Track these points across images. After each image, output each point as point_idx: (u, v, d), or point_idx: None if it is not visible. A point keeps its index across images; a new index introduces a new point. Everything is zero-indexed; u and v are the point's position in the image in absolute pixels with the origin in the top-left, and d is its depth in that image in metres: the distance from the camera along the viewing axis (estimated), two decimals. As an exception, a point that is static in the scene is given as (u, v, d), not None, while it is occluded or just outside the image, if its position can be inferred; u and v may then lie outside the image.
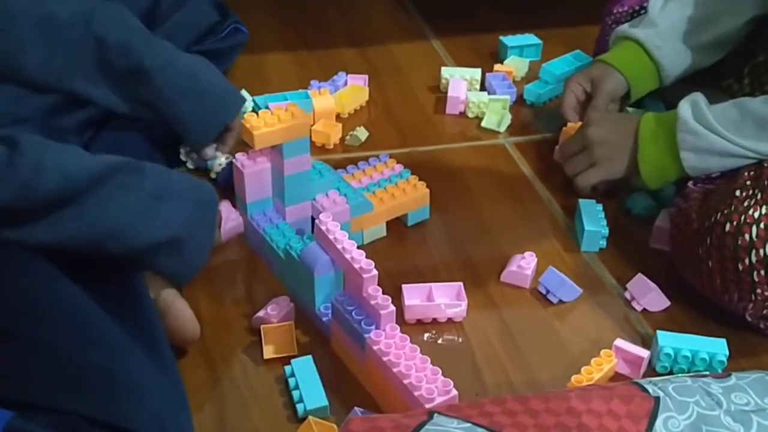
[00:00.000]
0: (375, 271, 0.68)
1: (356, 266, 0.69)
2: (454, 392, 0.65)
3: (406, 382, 0.65)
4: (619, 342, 0.74)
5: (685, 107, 0.83)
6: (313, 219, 0.84)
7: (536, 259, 0.84)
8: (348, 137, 1.03)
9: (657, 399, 0.60)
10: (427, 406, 0.64)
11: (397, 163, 0.92)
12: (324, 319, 0.75)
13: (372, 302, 0.68)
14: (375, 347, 0.68)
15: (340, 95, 1.07)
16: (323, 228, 0.72)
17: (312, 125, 1.02)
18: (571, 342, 0.77)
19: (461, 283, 0.80)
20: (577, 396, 0.60)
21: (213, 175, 0.93)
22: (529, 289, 0.83)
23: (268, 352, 0.73)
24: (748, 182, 0.75)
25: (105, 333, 0.62)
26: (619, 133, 0.88)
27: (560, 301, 0.81)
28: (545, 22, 1.28)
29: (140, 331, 0.65)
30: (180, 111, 0.86)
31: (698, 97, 0.83)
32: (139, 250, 0.70)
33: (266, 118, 0.77)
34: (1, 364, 0.58)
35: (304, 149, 0.80)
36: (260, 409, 0.69)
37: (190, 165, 0.94)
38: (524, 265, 0.83)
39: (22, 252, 0.66)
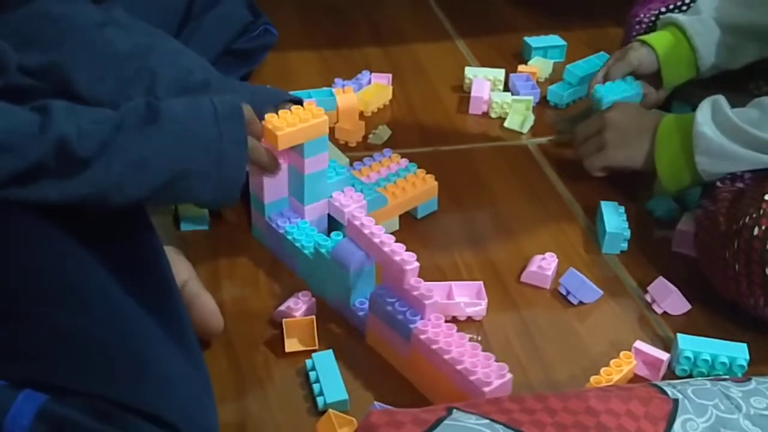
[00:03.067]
0: (416, 263, 0.69)
1: (397, 258, 0.69)
2: (509, 375, 0.65)
3: (460, 368, 0.66)
4: (639, 344, 0.74)
5: (703, 108, 0.83)
6: (329, 216, 0.85)
7: (557, 260, 0.84)
8: (371, 136, 1.04)
9: (676, 401, 0.61)
10: (485, 389, 0.64)
11: (416, 160, 0.93)
12: (360, 314, 0.76)
13: (415, 293, 0.69)
14: (423, 336, 0.68)
15: (364, 93, 1.08)
16: (357, 224, 0.73)
17: (336, 123, 1.03)
18: (590, 343, 0.77)
19: (482, 282, 0.80)
20: (596, 396, 0.60)
21: None
22: (549, 289, 0.83)
23: (290, 345, 0.74)
24: None
25: (138, 321, 0.63)
26: (637, 124, 0.89)
27: (580, 303, 0.81)
28: (570, 23, 1.29)
29: (169, 322, 0.66)
30: None
31: (719, 98, 0.83)
32: (161, 184, 0.69)
33: (287, 118, 0.77)
34: (37, 348, 0.59)
35: (323, 148, 0.81)
36: (281, 402, 0.70)
37: None
38: (545, 265, 0.83)
39: (57, 237, 0.67)
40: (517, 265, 0.85)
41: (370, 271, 0.76)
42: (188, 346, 0.64)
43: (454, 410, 0.57)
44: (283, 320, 0.74)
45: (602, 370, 0.71)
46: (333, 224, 0.85)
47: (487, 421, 0.56)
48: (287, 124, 0.77)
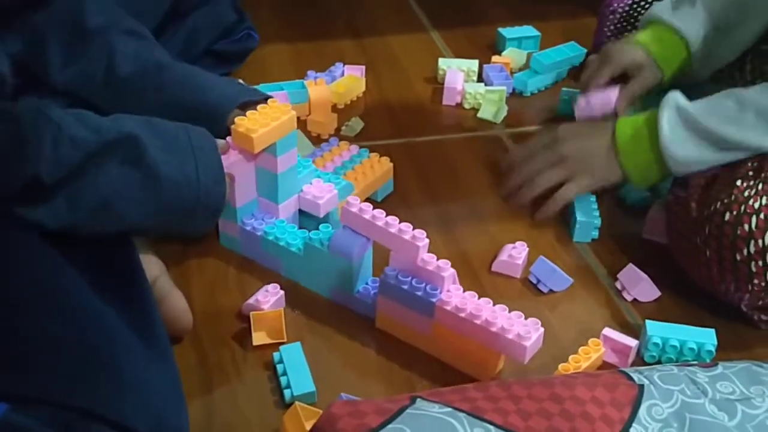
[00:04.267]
0: (427, 239, 0.70)
1: (407, 237, 0.69)
2: (542, 329, 0.67)
3: (495, 329, 0.67)
4: (608, 331, 0.74)
5: (666, 115, 0.80)
6: (300, 211, 0.84)
7: (527, 249, 0.84)
8: (344, 127, 1.03)
9: (641, 387, 0.60)
10: (525, 344, 0.66)
11: (390, 152, 0.93)
12: (368, 300, 0.76)
13: (430, 268, 0.69)
14: (448, 307, 0.69)
15: (337, 85, 1.07)
16: (354, 210, 0.72)
17: (308, 115, 1.03)
18: (560, 331, 0.77)
19: (454, 271, 0.80)
20: (561, 383, 0.60)
21: None
22: (520, 278, 0.83)
23: (257, 338, 0.73)
24: (750, 172, 0.75)
25: (107, 326, 0.62)
26: (593, 142, 0.86)
27: (551, 291, 0.81)
28: (545, 14, 1.28)
29: (141, 324, 0.65)
30: (202, 86, 0.86)
31: (678, 100, 0.81)
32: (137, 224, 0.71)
33: (257, 118, 0.76)
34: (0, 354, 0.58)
35: (293, 144, 0.80)
36: (248, 395, 0.69)
37: None
38: (515, 254, 0.83)
39: (25, 238, 0.66)
40: (489, 255, 0.85)
41: (369, 256, 0.76)
42: (160, 348, 0.64)
43: (418, 399, 0.57)
44: (251, 313, 0.74)
45: (570, 357, 0.71)
46: (303, 219, 0.84)
47: (450, 409, 0.55)
48: (260, 125, 0.75)
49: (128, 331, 0.63)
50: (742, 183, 0.73)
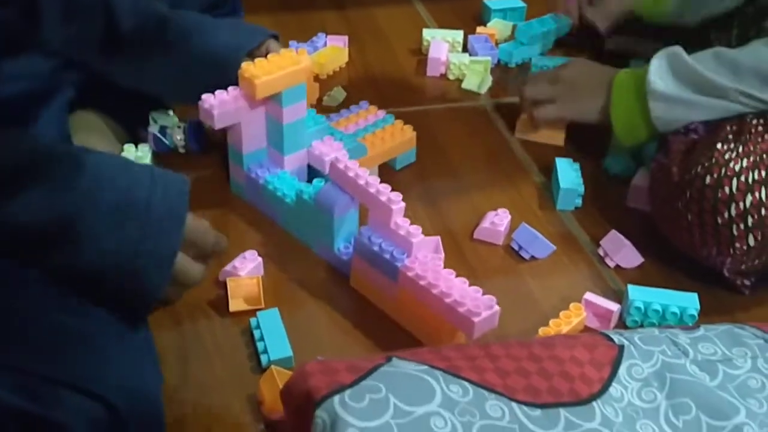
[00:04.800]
0: (402, 203, 0.69)
1: (383, 198, 0.69)
2: (497, 308, 0.65)
3: (449, 300, 0.65)
4: (589, 296, 0.73)
5: (658, 57, 0.82)
6: (309, 167, 0.84)
7: (509, 216, 0.83)
8: (326, 97, 1.02)
9: (621, 347, 0.60)
10: (474, 320, 0.64)
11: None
12: (344, 258, 0.75)
13: (401, 232, 0.69)
14: (410, 274, 0.68)
15: (319, 56, 1.05)
16: (341, 166, 0.72)
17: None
18: (542, 298, 0.76)
19: (439, 237, 0.79)
20: (540, 343, 0.59)
21: (182, 150, 0.90)
22: (502, 245, 0.82)
23: (234, 305, 0.72)
24: (730, 136, 0.74)
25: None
26: (592, 79, 0.88)
27: (533, 258, 0.80)
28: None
29: None
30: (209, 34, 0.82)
31: (676, 48, 0.82)
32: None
33: (264, 65, 0.76)
34: None
35: (301, 96, 0.79)
36: (224, 361, 0.68)
37: (153, 147, 0.88)
38: (497, 221, 0.82)
39: None
40: (472, 223, 0.84)
41: (354, 215, 0.76)
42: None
43: (394, 358, 0.56)
44: (227, 279, 0.73)
45: (551, 321, 0.70)
46: (313, 175, 0.84)
47: (426, 367, 0.54)
48: (265, 72, 0.76)
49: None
50: (722, 146, 0.72)
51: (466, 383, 0.53)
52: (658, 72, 0.81)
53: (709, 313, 0.73)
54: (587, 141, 0.94)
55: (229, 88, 0.79)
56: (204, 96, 0.78)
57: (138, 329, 0.63)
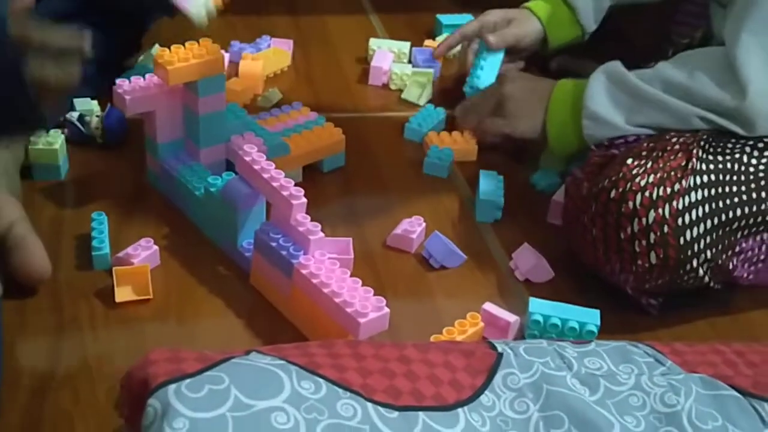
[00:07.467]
0: (304, 199, 0.67)
1: (285, 193, 0.67)
2: (386, 309, 0.64)
3: (338, 300, 0.64)
4: (488, 306, 0.70)
5: (597, 75, 0.81)
6: (227, 162, 0.82)
7: (424, 224, 0.81)
8: (260, 98, 1.00)
9: (501, 355, 0.57)
10: (361, 321, 0.62)
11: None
12: (246, 254, 0.73)
13: (301, 228, 0.67)
14: (304, 271, 0.66)
15: (258, 56, 1.04)
16: (248, 159, 0.70)
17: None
18: (444, 307, 0.74)
19: (350, 239, 0.77)
20: (414, 346, 0.57)
21: (99, 140, 0.88)
22: (414, 253, 0.79)
23: (120, 294, 0.70)
24: (644, 152, 0.72)
25: None
26: (534, 93, 0.87)
27: (442, 267, 0.78)
28: (489, 5, 1.26)
29: None
30: None
31: (615, 64, 0.81)
32: None
33: (179, 53, 0.75)
34: None
35: (219, 87, 0.78)
36: (98, 351, 0.66)
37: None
38: (410, 228, 0.80)
39: None
40: (388, 230, 0.82)
41: (260, 211, 0.74)
42: None
43: (253, 352, 0.53)
44: (114, 268, 0.70)
45: (444, 329, 0.67)
46: (232, 170, 0.81)
47: (282, 362, 0.52)
48: (178, 59, 0.75)
49: None
50: (632, 161, 0.71)
51: (320, 380, 0.51)
52: (594, 85, 0.80)
53: (612, 332, 0.70)
54: (516, 157, 0.92)
55: (146, 75, 0.78)
56: (118, 80, 0.77)
57: None
